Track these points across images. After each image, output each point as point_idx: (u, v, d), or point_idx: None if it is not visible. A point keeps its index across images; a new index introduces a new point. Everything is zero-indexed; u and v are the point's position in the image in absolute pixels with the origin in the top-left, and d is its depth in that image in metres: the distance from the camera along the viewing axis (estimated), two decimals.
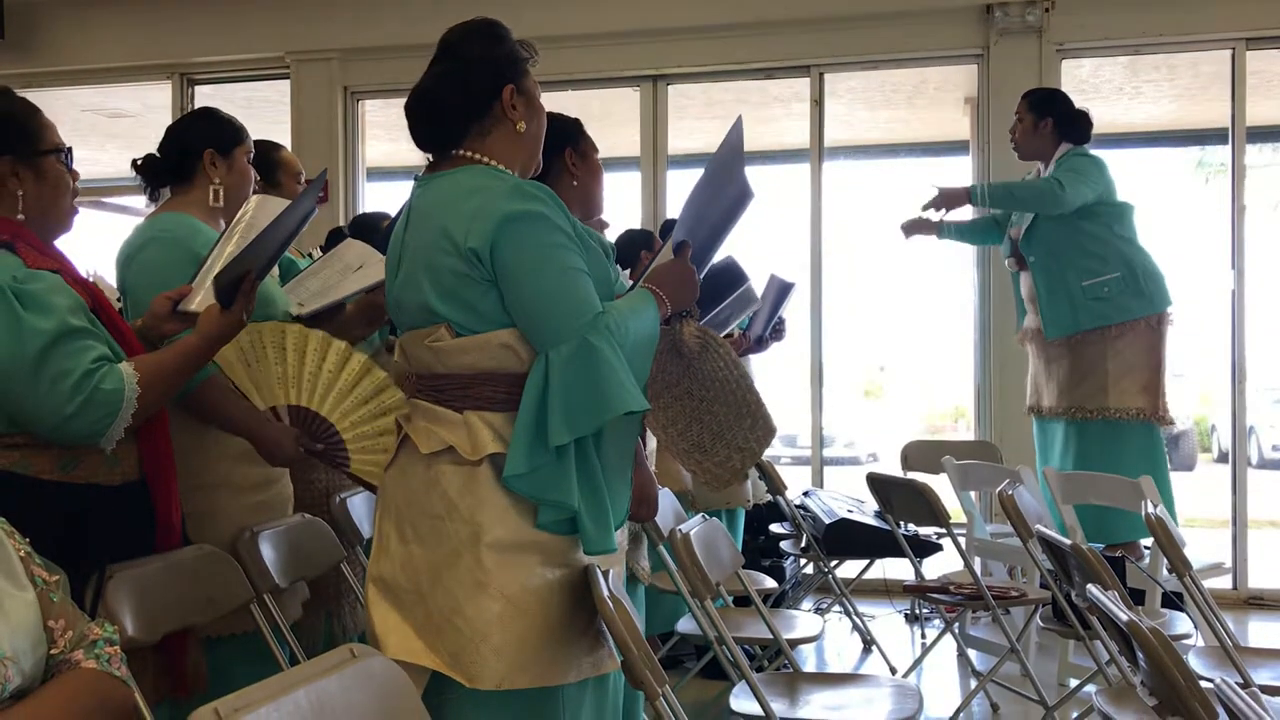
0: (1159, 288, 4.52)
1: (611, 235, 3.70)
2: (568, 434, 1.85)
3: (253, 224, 2.27)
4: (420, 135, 2.07)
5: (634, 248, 4.10)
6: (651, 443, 3.26)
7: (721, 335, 2.21)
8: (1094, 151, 4.61)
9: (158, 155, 2.56)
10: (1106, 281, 4.47)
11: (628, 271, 3.43)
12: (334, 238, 3.70)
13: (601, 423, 1.88)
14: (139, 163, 2.56)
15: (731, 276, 2.53)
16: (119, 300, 2.41)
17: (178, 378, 2.08)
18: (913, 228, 4.89)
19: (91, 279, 2.20)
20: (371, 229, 3.48)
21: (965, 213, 4.96)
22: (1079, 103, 4.72)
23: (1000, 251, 5.01)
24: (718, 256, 2.33)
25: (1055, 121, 4.57)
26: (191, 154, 2.53)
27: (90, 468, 2.02)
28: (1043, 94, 4.74)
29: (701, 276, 2.13)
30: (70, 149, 2.12)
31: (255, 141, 2.68)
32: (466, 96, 2.01)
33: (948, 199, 4.68)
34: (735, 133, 2.10)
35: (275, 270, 2.73)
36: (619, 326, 1.91)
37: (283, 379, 2.42)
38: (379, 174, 6.75)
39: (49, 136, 2.09)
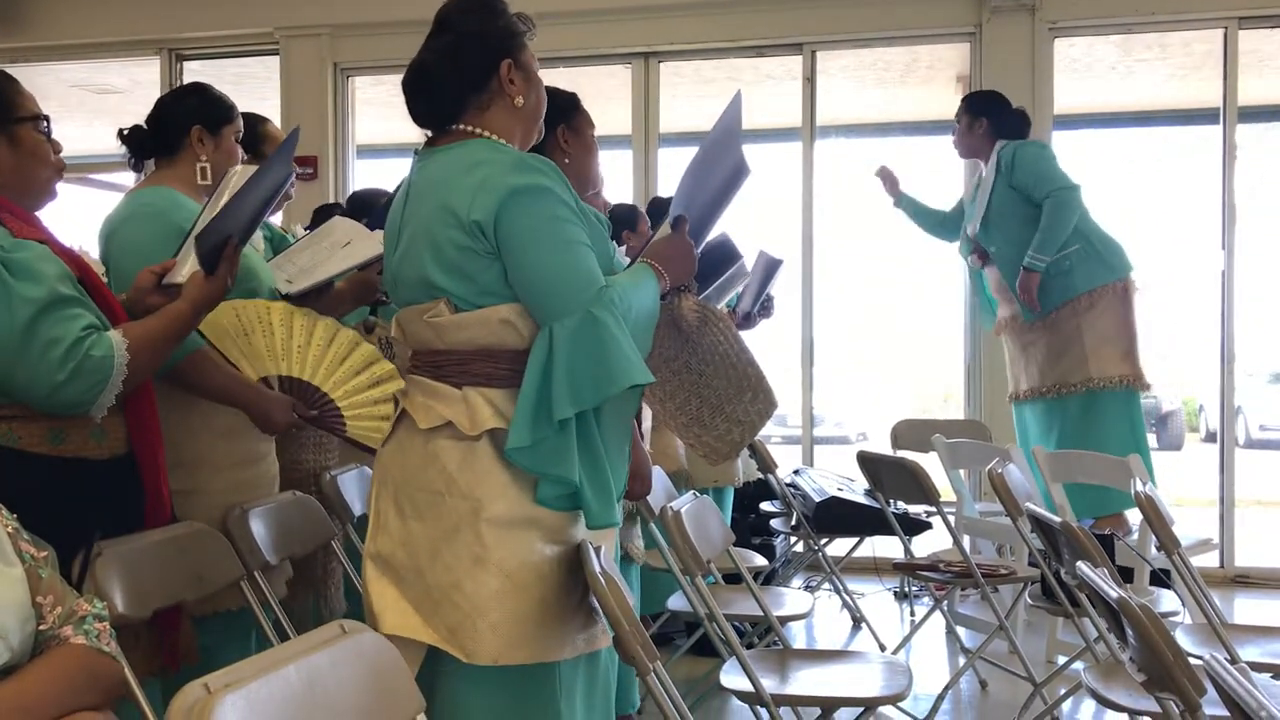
0: (1119, 255, 4.65)
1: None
2: (571, 407, 1.85)
3: None
4: (418, 112, 2.06)
5: (618, 224, 4.09)
6: (647, 421, 3.26)
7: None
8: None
9: (144, 127, 2.54)
10: (1067, 255, 4.58)
11: (623, 249, 3.42)
12: (321, 215, 3.67)
13: (606, 396, 1.88)
14: (125, 133, 2.53)
15: (726, 253, 2.53)
16: (105, 276, 2.39)
17: (166, 345, 2.08)
18: (885, 177, 5.09)
19: (79, 253, 2.18)
20: (368, 206, 3.47)
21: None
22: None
23: (960, 253, 5.11)
24: (713, 233, 2.33)
25: (990, 122, 4.76)
26: (179, 129, 2.50)
27: (79, 441, 2.01)
28: (979, 95, 4.94)
29: (699, 251, 2.13)
30: (48, 118, 2.09)
31: (241, 114, 2.65)
32: (464, 72, 2.00)
33: (1025, 288, 4.63)
34: (734, 107, 2.10)
35: (260, 244, 2.71)
36: (622, 300, 1.90)
37: (272, 352, 2.42)
38: (369, 151, 6.72)
39: (25, 104, 2.06)
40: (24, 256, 1.92)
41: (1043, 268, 4.58)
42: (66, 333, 1.91)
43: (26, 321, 1.88)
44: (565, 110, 2.60)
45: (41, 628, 1.54)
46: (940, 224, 5.12)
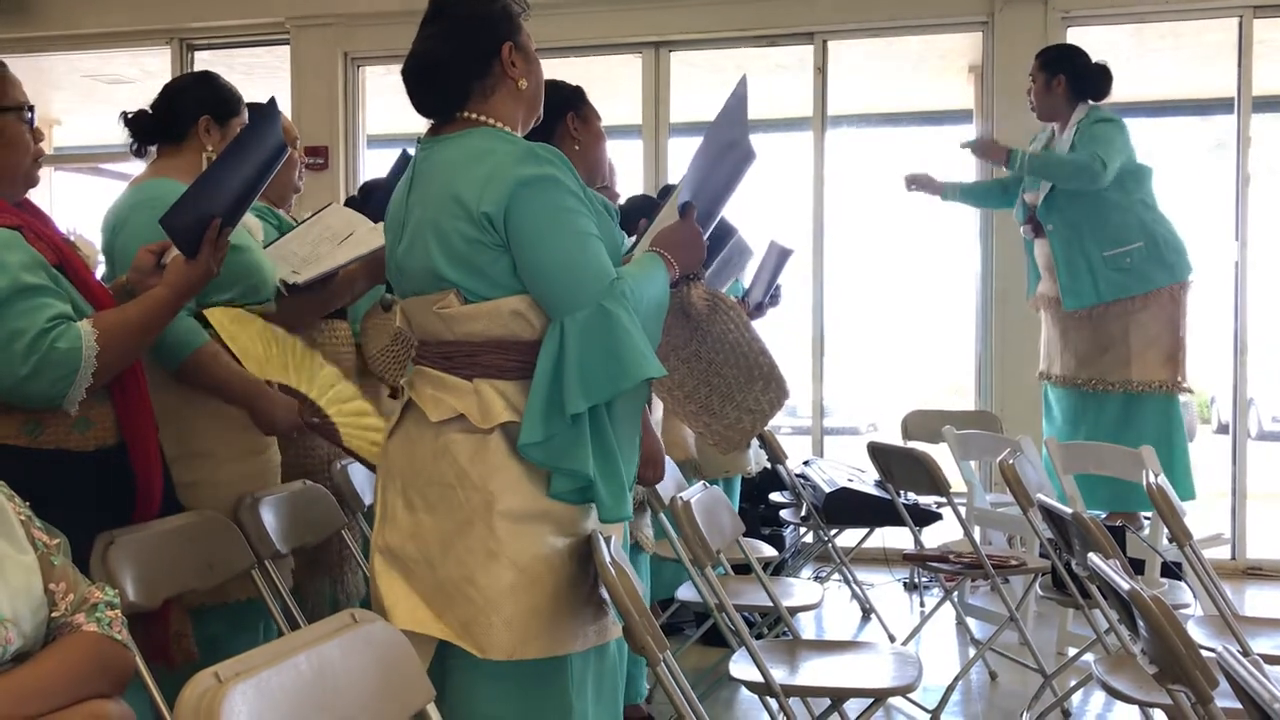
0: (1180, 257, 4.45)
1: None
2: (585, 402, 1.83)
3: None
4: (421, 101, 2.03)
5: (637, 214, 4.08)
6: (658, 410, 3.26)
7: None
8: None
9: (149, 112, 2.49)
10: (1129, 252, 4.39)
11: (632, 239, 3.42)
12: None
13: (620, 390, 1.86)
14: (129, 116, 2.48)
15: (720, 230, 2.51)
16: (100, 263, 2.36)
17: (143, 334, 2.01)
18: (915, 182, 4.83)
19: (72, 236, 2.16)
20: (381, 195, 3.46)
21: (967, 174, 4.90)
22: None
23: (1015, 219, 4.94)
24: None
25: (1068, 79, 4.46)
26: (187, 117, 2.46)
27: (59, 433, 1.97)
28: (1054, 52, 4.63)
29: (706, 238, 2.12)
30: (32, 107, 2.04)
31: (251, 105, 2.64)
32: (466, 58, 1.97)
33: (986, 148, 4.60)
34: (739, 93, 2.08)
35: (259, 233, 2.68)
36: (633, 292, 1.88)
37: (271, 360, 2.41)
38: (380, 141, 6.70)
39: (10, 94, 2.01)
40: None
41: (1013, 165, 4.43)
42: (30, 324, 1.85)
43: None
44: (574, 99, 2.60)
45: (54, 615, 1.55)
46: (1001, 194, 4.86)
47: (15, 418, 1.93)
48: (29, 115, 2.04)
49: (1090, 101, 4.48)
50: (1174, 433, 4.47)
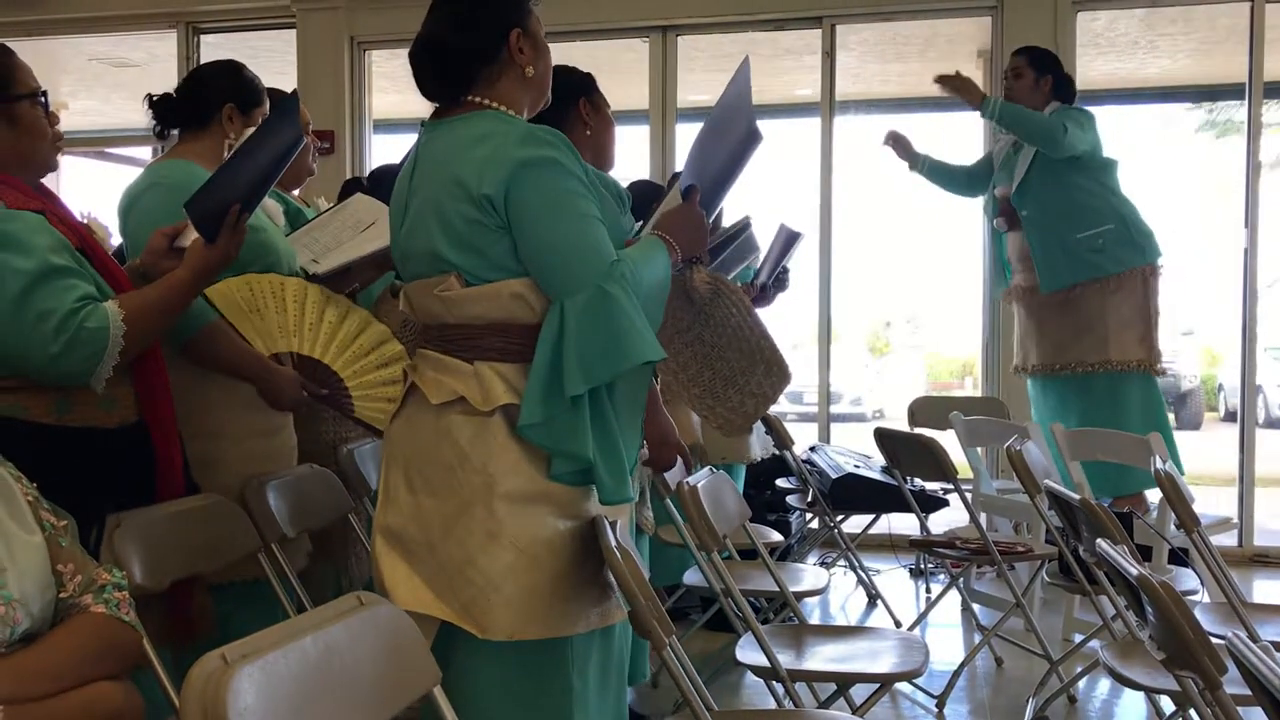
0: (1149, 240, 4.61)
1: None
2: (584, 383, 1.84)
3: None
4: (427, 85, 2.04)
5: (646, 200, 4.07)
6: None
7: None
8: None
9: (174, 96, 2.54)
10: (1100, 233, 4.54)
11: (641, 223, 3.41)
12: (349, 190, 3.67)
13: (618, 372, 1.87)
14: (154, 99, 2.53)
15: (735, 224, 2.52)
16: (113, 246, 2.38)
17: (165, 315, 2.07)
18: (895, 140, 4.98)
19: (86, 220, 2.18)
20: (391, 182, 3.45)
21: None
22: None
23: (985, 214, 5.03)
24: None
25: (1055, 80, 4.65)
26: (213, 104, 2.51)
27: (86, 411, 2.01)
28: (1043, 52, 4.79)
29: (711, 221, 2.11)
30: (45, 92, 2.08)
31: (270, 90, 2.66)
32: (474, 43, 1.98)
33: (962, 86, 4.68)
34: (742, 75, 2.08)
35: (280, 218, 2.70)
36: (633, 274, 1.89)
37: (284, 329, 2.42)
38: (386, 126, 6.69)
39: (23, 80, 2.04)
40: (14, 228, 1.91)
41: (986, 110, 4.58)
42: (60, 304, 1.90)
43: (17, 294, 1.88)
44: (585, 84, 2.61)
45: (61, 596, 1.55)
46: (966, 181, 5.00)
47: (46, 397, 1.97)
48: (43, 100, 2.07)
49: (1060, 103, 4.65)
50: (1158, 412, 4.58)
